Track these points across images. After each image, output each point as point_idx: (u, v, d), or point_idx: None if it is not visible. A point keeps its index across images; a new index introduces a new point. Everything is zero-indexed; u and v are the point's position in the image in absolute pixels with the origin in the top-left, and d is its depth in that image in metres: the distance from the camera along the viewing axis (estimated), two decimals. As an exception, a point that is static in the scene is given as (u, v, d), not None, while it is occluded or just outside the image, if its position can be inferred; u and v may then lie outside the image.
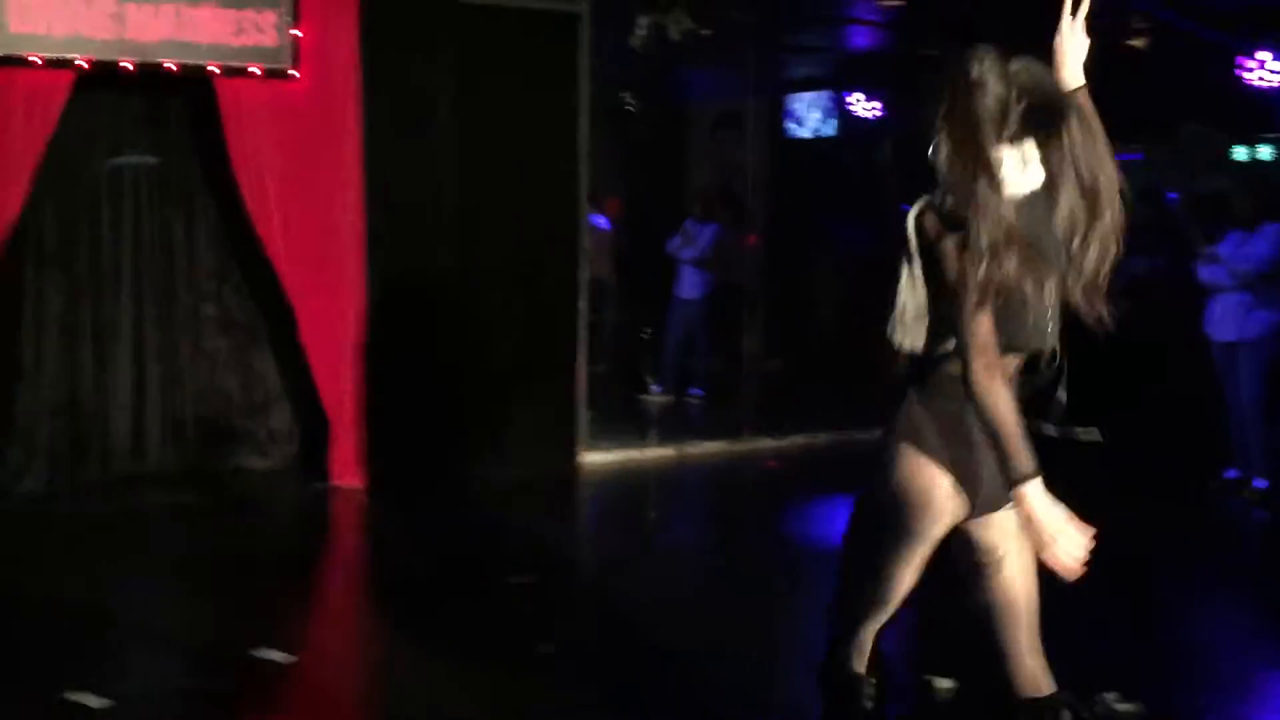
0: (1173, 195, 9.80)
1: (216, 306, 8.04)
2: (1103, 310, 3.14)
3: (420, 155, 7.99)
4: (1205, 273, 7.73)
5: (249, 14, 7.31)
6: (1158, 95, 9.24)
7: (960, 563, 3.30)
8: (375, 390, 7.87)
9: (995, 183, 2.98)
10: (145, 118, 7.72)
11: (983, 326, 2.97)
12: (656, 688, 4.89)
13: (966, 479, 3.16)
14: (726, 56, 10.58)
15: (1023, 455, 2.93)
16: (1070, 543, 2.89)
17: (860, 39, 10.27)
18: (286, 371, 8.13)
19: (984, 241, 2.94)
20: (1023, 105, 2.99)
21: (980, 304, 2.95)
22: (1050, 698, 3.24)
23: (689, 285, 10.94)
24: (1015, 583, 3.23)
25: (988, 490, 3.16)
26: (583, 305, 8.59)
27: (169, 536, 7.00)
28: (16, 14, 6.78)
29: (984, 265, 2.94)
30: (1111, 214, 3.10)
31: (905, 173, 10.80)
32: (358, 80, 7.67)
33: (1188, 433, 8.20)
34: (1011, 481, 2.94)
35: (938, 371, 3.19)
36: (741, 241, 11.43)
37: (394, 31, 7.79)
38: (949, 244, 3.03)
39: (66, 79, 6.99)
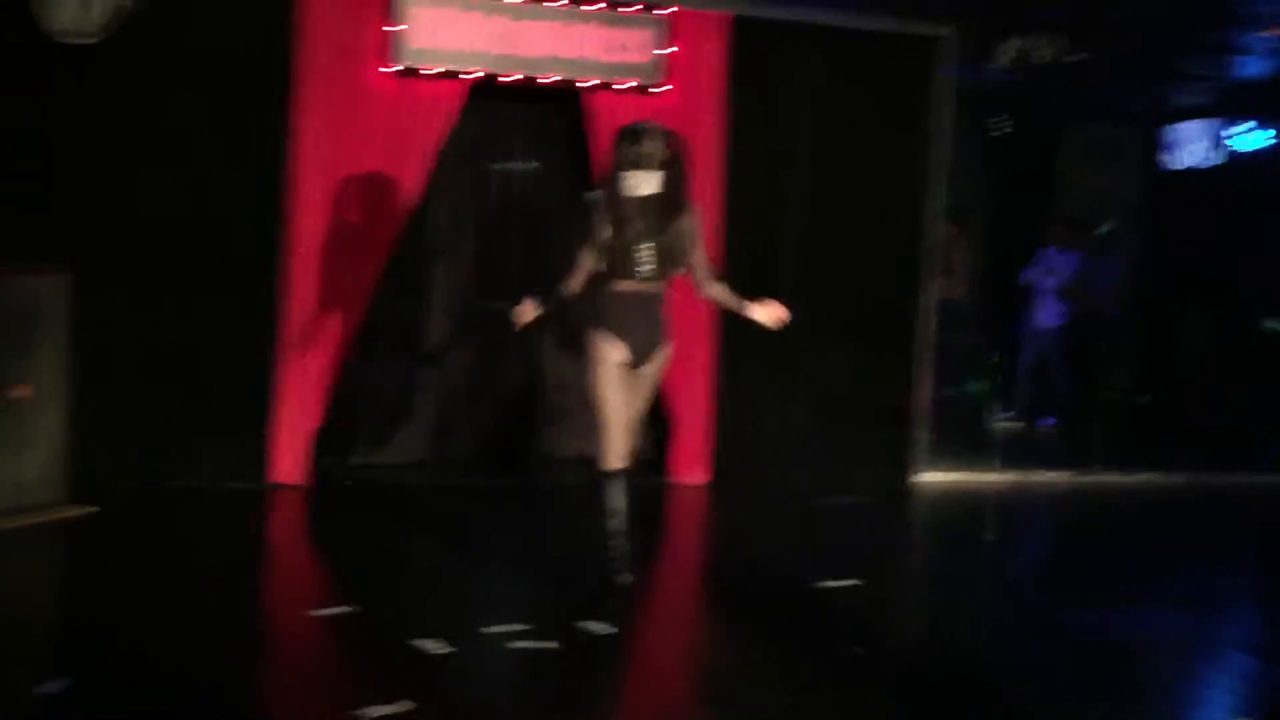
0: None
1: (575, 308, 8.53)
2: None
3: (774, 173, 8.28)
4: None
5: (624, 33, 7.81)
6: None
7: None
8: (719, 398, 8.22)
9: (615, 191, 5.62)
10: (527, 126, 8.33)
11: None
12: (962, 700, 4.98)
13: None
14: (1104, 81, 10.38)
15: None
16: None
17: (1248, 67, 9.86)
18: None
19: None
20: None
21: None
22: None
23: (1048, 313, 10.80)
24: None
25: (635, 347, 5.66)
26: (922, 327, 8.64)
27: (518, 515, 7.54)
28: (417, 32, 7.51)
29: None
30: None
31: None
32: (723, 98, 8.04)
33: None
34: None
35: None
36: (1105, 271, 11.16)
37: (758, 51, 8.11)
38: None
39: (458, 89, 7.67)
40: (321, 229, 7.47)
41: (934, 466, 8.81)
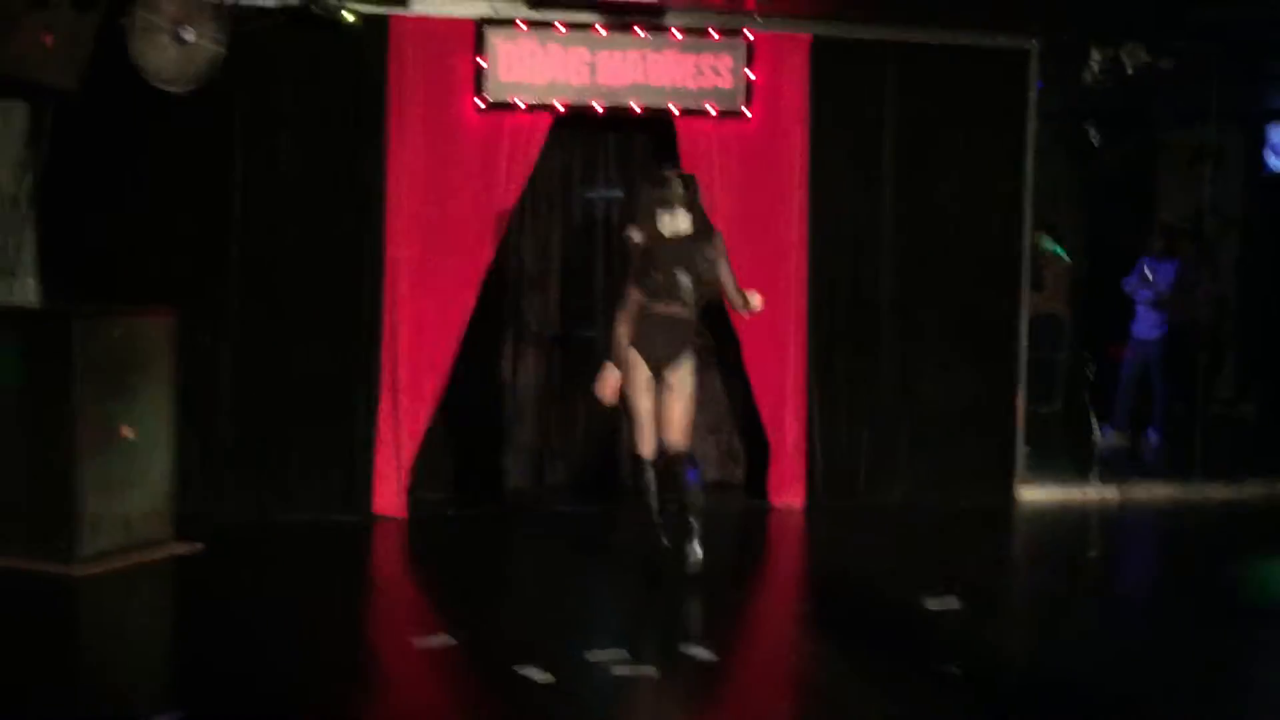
0: None
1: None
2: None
3: (864, 190, 8.27)
4: None
5: (707, 58, 7.86)
6: None
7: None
8: (814, 419, 8.21)
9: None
10: (613, 154, 8.41)
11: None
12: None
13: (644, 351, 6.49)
14: (1199, 87, 10.22)
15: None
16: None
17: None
18: (734, 395, 8.59)
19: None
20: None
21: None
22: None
23: (1146, 324, 10.64)
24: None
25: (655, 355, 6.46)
26: (1023, 341, 8.58)
27: (613, 541, 7.55)
28: (505, 66, 7.63)
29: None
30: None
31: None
32: (806, 118, 8.06)
33: None
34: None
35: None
36: (1205, 279, 10.96)
37: (842, 69, 8.13)
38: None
39: (546, 120, 7.76)
40: (416, 264, 7.60)
41: (1035, 481, 8.73)
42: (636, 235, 6.54)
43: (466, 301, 7.68)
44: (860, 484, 8.31)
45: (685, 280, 6.46)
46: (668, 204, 6.52)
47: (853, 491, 8.28)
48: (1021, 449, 8.67)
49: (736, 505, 8.35)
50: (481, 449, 8.36)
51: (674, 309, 6.49)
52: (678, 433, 6.51)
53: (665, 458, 6.56)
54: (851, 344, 8.30)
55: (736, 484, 8.64)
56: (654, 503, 6.69)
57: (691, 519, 6.55)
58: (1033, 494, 8.68)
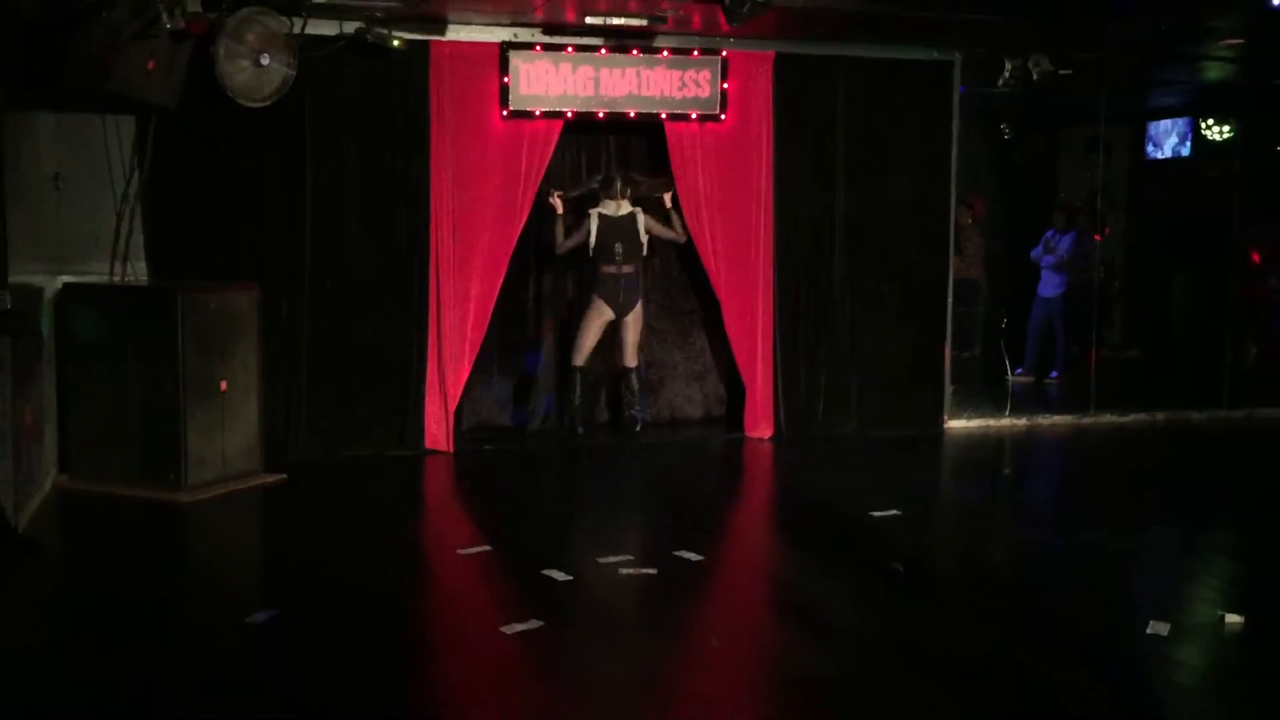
0: None
1: (665, 297, 8.59)
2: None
3: (819, 180, 8.22)
4: None
5: (690, 73, 7.80)
6: None
7: None
8: (781, 365, 8.20)
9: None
10: (614, 153, 8.33)
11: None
12: (988, 603, 4.96)
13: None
14: (1092, 91, 10.15)
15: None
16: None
17: (1213, 71, 9.58)
18: (716, 349, 8.59)
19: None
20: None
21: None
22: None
23: (1050, 285, 10.62)
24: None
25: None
26: (949, 300, 8.59)
27: (623, 468, 7.62)
28: (525, 81, 7.56)
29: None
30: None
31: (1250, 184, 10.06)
32: (771, 121, 8.01)
33: None
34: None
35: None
36: (1094, 244, 10.94)
37: (800, 80, 8.07)
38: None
39: (558, 126, 7.71)
40: (455, 249, 7.57)
41: (960, 415, 8.76)
42: (560, 206, 7.77)
43: (496, 277, 7.65)
44: (818, 419, 8.31)
45: (623, 248, 7.73)
46: (612, 196, 7.77)
47: (812, 425, 8.28)
48: (949, 388, 8.69)
49: (718, 437, 8.36)
50: (512, 395, 8.33)
51: (626, 269, 7.75)
52: (633, 352, 7.91)
53: (622, 370, 7.98)
54: (811, 306, 8.27)
55: (718, 420, 8.64)
56: (576, 400, 7.90)
57: (635, 400, 7.98)
58: (959, 424, 8.72)
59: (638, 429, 8.04)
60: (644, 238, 7.84)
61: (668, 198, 7.90)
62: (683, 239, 7.94)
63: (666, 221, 7.91)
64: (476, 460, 7.61)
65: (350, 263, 7.45)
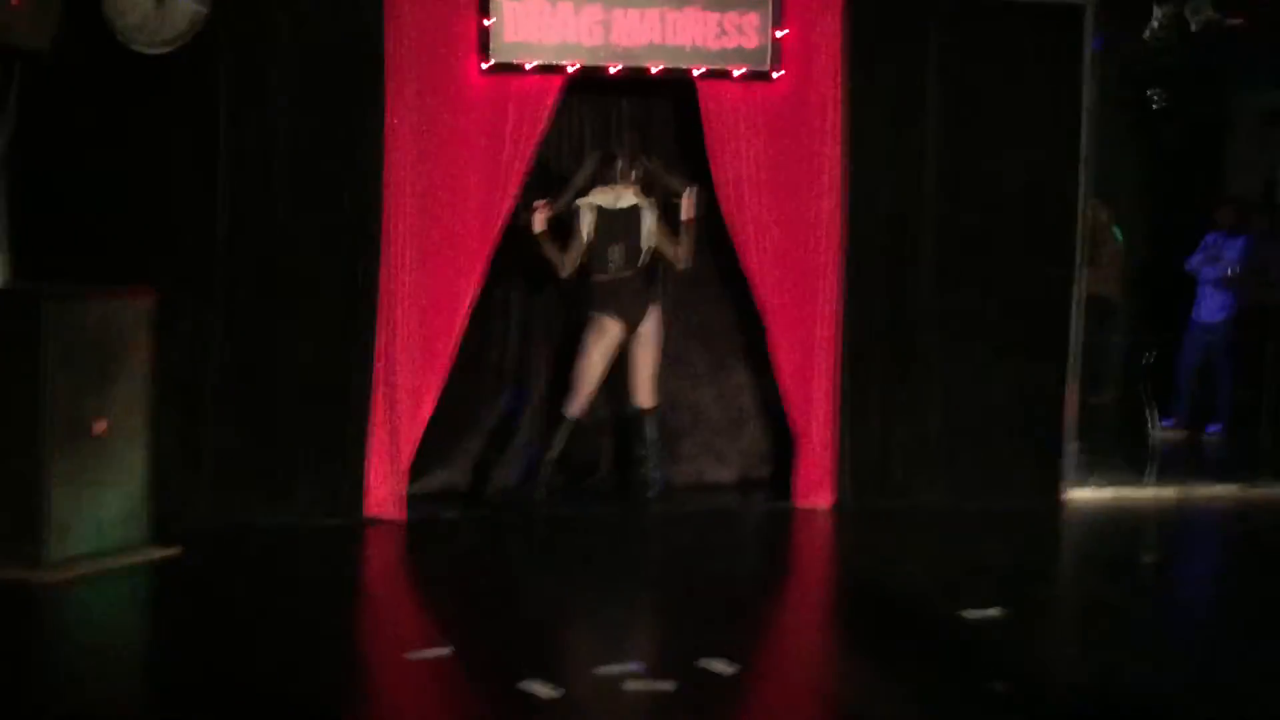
0: None
1: (691, 314, 8.65)
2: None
3: (903, 160, 8.27)
4: None
5: (731, 16, 7.85)
6: None
7: None
8: (847, 409, 8.22)
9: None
10: (628, 122, 8.44)
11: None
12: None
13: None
14: (1272, 45, 10.17)
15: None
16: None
17: None
18: (759, 386, 8.63)
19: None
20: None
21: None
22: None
23: (1211, 307, 10.63)
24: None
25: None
26: (1075, 325, 8.58)
27: (628, 545, 7.66)
28: (511, 24, 7.61)
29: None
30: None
31: None
32: (839, 82, 8.05)
33: None
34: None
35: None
36: (1277, 257, 10.94)
37: (879, 29, 8.12)
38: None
39: (555, 84, 7.76)
40: (416, 242, 7.62)
41: (1085, 482, 8.76)
42: (541, 223, 7.81)
43: (469, 286, 7.69)
44: (895, 484, 8.33)
45: (621, 252, 7.90)
46: (612, 182, 7.92)
47: (886, 492, 8.29)
48: (1071, 446, 8.66)
49: (760, 507, 8.39)
50: (486, 446, 8.41)
51: (625, 274, 7.93)
52: (649, 388, 8.04)
53: (634, 414, 8.05)
54: (888, 330, 8.31)
55: (760, 483, 8.68)
56: (555, 454, 7.96)
57: (652, 456, 8.06)
58: (1083, 494, 8.70)
59: (653, 494, 8.07)
60: (647, 242, 7.93)
61: (688, 201, 7.90)
62: (681, 266, 8.03)
63: (673, 234, 7.97)
64: (435, 532, 7.61)
65: (276, 263, 7.50)
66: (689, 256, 7.97)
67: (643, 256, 7.96)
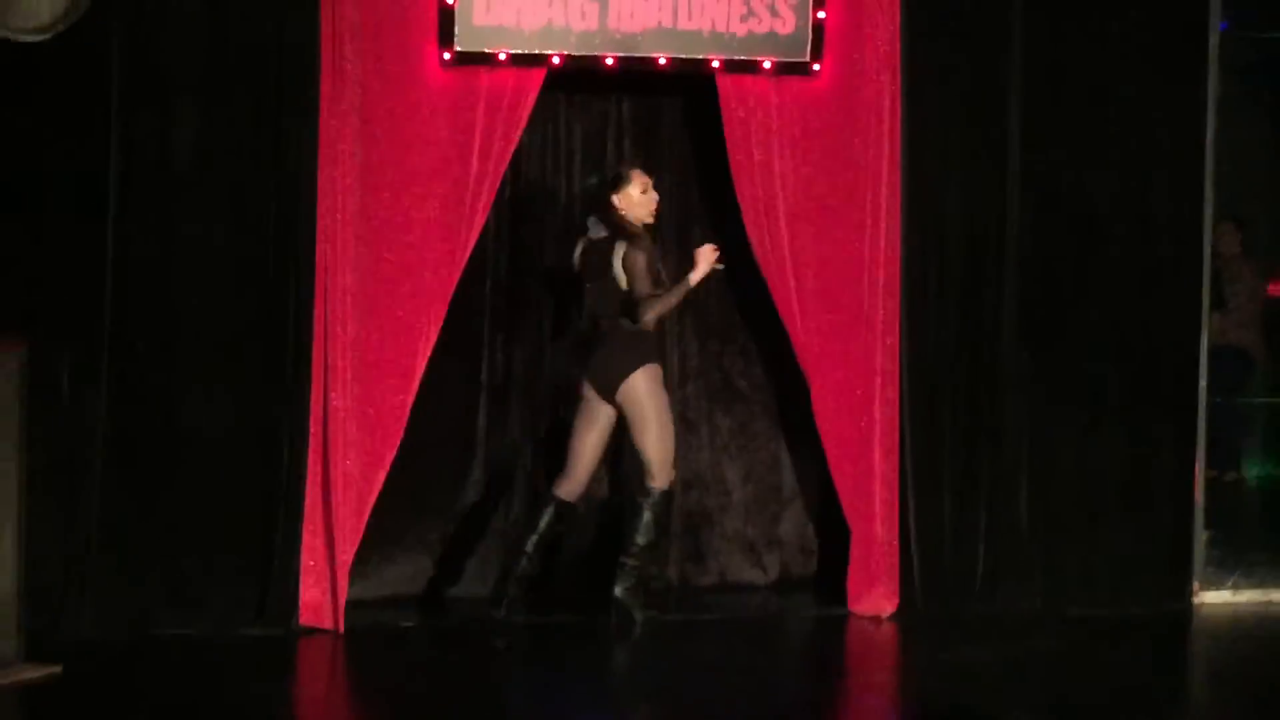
0: None
1: (710, 367, 8.65)
2: None
3: (979, 175, 8.29)
4: None
5: (761, -7, 7.89)
6: None
7: None
8: (913, 489, 8.20)
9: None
10: (628, 125, 8.47)
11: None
12: None
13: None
14: None
15: None
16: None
17: None
18: (800, 460, 8.64)
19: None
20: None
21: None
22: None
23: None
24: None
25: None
26: (1202, 383, 8.58)
27: (637, 663, 7.72)
28: (482, 4, 7.62)
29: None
30: None
31: None
32: (897, 77, 8.06)
33: None
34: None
35: None
36: None
37: (949, 6, 8.17)
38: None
39: (537, 78, 7.78)
40: (360, 280, 7.62)
41: (1219, 582, 8.74)
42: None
43: (427, 331, 7.70)
44: (976, 586, 8.29)
45: (603, 295, 7.81)
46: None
47: (966, 596, 8.25)
48: (1201, 535, 8.63)
49: (803, 614, 8.39)
50: (446, 540, 8.39)
51: (601, 325, 7.89)
52: (660, 464, 7.82)
53: (642, 495, 7.87)
54: (962, 387, 8.30)
55: (803, 583, 8.68)
56: (530, 548, 7.84)
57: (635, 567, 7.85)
58: (1218, 598, 8.67)
59: (636, 634, 7.81)
60: (619, 281, 7.71)
61: (704, 259, 7.76)
62: (639, 320, 7.70)
63: (649, 279, 7.70)
64: (382, 647, 7.60)
65: (179, 304, 7.52)
66: (655, 317, 7.77)
67: (616, 306, 7.75)
